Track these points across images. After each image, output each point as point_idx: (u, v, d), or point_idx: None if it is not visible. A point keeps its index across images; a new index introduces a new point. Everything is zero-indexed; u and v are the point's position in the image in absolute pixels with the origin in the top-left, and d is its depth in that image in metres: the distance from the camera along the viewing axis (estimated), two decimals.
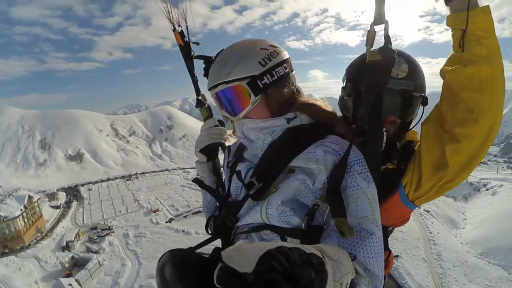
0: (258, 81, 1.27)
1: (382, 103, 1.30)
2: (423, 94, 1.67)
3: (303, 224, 1.18)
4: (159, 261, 1.20)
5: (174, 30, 1.87)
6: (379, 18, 1.27)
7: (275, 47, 1.34)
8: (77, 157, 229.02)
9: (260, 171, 1.31)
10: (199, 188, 1.74)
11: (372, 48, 1.33)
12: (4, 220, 72.61)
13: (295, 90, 1.41)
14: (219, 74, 1.30)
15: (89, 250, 64.05)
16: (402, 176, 1.59)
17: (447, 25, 1.26)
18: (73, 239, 69.27)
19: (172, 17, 1.85)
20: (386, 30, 1.26)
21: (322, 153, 1.22)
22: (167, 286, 1.10)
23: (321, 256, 0.65)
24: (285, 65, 1.34)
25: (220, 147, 1.76)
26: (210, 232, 1.59)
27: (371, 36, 1.31)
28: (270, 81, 1.29)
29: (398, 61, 1.59)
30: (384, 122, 1.58)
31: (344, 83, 1.84)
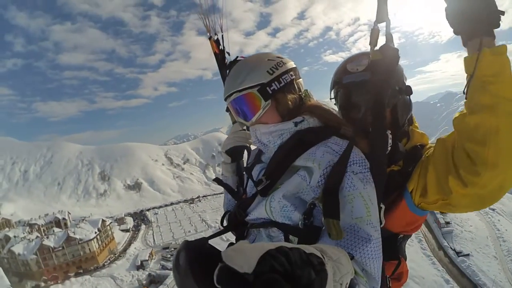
0: (267, 88, 1.40)
1: (384, 103, 1.30)
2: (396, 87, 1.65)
3: (300, 223, 1.23)
4: (176, 249, 1.29)
5: (210, 38, 2.02)
6: (381, 16, 1.30)
7: (281, 58, 1.48)
8: (136, 186, 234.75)
9: (269, 170, 1.41)
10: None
11: (375, 48, 1.32)
12: (80, 242, 78.05)
13: (302, 96, 1.52)
14: (233, 84, 1.44)
15: (164, 267, 67.21)
16: (408, 180, 1.56)
17: (465, 70, 1.15)
18: (147, 258, 73.54)
19: (209, 26, 1.98)
20: (387, 27, 1.29)
21: (321, 153, 1.28)
22: (180, 272, 1.15)
23: (321, 256, 0.65)
24: (291, 73, 1.47)
25: (245, 150, 1.86)
26: (224, 225, 1.68)
27: (374, 35, 1.33)
28: (278, 87, 1.41)
29: (360, 58, 1.73)
30: (362, 115, 1.58)
31: (333, 92, 1.88)
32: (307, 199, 1.27)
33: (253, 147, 1.81)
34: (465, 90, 1.12)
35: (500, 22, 1.04)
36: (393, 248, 1.71)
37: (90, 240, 79.78)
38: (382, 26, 1.33)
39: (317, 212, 1.21)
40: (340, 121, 1.46)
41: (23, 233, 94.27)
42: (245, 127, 1.77)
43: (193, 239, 1.26)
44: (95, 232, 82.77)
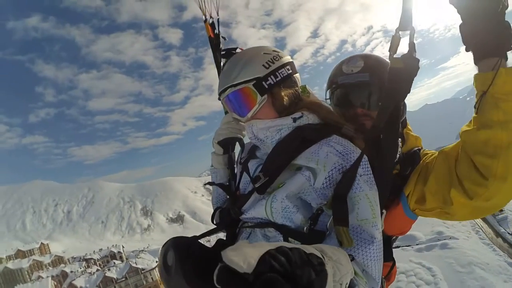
0: (263, 82, 1.34)
1: (400, 112, 1.27)
2: None
3: (305, 228, 1.19)
4: (163, 247, 1.26)
5: (205, 21, 1.96)
6: (405, 23, 1.21)
7: (277, 51, 1.43)
8: (178, 219, 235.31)
9: (267, 167, 1.35)
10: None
11: (395, 55, 1.26)
12: (142, 272, 79.87)
13: (299, 91, 1.46)
14: (227, 78, 1.38)
15: None
16: (405, 184, 1.57)
17: (474, 86, 1.19)
18: None
19: (205, 8, 1.93)
20: (411, 36, 1.20)
21: (325, 154, 1.23)
22: (169, 272, 1.14)
23: (321, 257, 0.65)
24: (288, 67, 1.41)
25: (238, 142, 1.77)
26: (215, 223, 1.63)
27: (395, 42, 1.25)
28: (274, 82, 1.36)
29: (355, 60, 1.72)
30: (356, 116, 1.64)
31: (329, 92, 1.85)
32: (309, 200, 1.24)
33: (246, 140, 1.72)
34: (477, 105, 1.16)
35: None
36: (388, 250, 1.72)
37: (153, 269, 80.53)
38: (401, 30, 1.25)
39: (322, 217, 1.20)
40: (340, 120, 1.40)
41: (80, 268, 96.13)
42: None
43: (181, 236, 1.26)
44: (156, 261, 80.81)
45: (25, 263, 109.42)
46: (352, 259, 1.06)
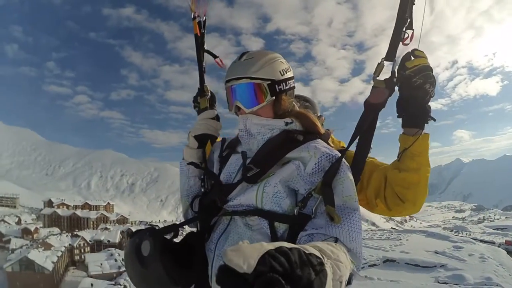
0: (276, 85, 1.49)
1: (376, 121, 1.56)
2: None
3: (296, 210, 1.31)
4: (131, 237, 1.36)
5: (194, 19, 1.99)
6: (390, 56, 1.53)
7: (288, 64, 1.60)
8: None
9: (258, 159, 1.46)
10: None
11: (377, 78, 1.56)
12: None
13: (294, 102, 1.65)
14: (246, 70, 1.47)
15: None
16: None
17: (399, 140, 1.65)
18: None
19: (195, 7, 2.00)
20: (393, 67, 1.53)
21: (314, 147, 1.42)
22: (144, 263, 1.20)
23: (321, 256, 0.66)
24: (293, 80, 1.60)
25: (210, 140, 1.82)
26: (194, 211, 1.68)
27: (380, 68, 1.54)
28: (284, 89, 1.52)
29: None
30: None
31: None
32: (296, 187, 1.38)
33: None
34: (399, 156, 1.60)
35: (429, 121, 1.57)
36: None
37: None
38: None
39: (310, 202, 1.31)
40: (319, 129, 1.59)
41: None
42: (215, 117, 1.83)
43: (152, 227, 1.37)
44: None
45: (93, 214, 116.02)
46: (336, 241, 1.18)
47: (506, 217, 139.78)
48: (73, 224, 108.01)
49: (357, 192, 1.45)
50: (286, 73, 1.53)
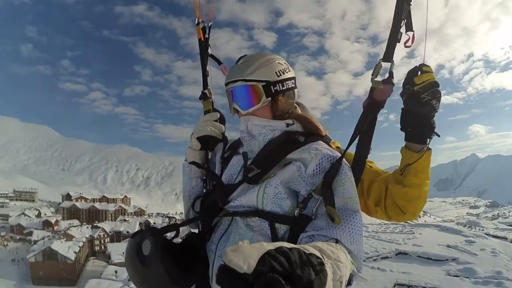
0: (272, 87, 1.49)
1: (375, 121, 1.55)
2: None
3: (296, 211, 1.32)
4: (132, 237, 1.38)
5: (198, 24, 2.01)
6: (388, 56, 1.51)
7: (288, 65, 1.59)
8: None
9: (259, 160, 1.46)
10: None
11: (375, 78, 1.54)
12: None
13: (295, 103, 1.65)
14: (241, 72, 1.51)
15: None
16: None
17: (400, 152, 1.66)
18: None
19: (200, 12, 2.02)
20: (391, 67, 1.51)
21: (315, 148, 1.42)
22: (145, 263, 1.21)
23: (321, 256, 0.66)
24: (292, 81, 1.58)
25: (212, 142, 1.83)
26: (195, 211, 1.70)
27: (378, 68, 1.52)
28: (280, 90, 1.52)
29: None
30: None
31: None
32: (297, 189, 1.38)
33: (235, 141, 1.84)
34: (402, 171, 1.61)
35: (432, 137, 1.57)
36: None
37: None
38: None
39: (311, 203, 1.32)
40: (321, 132, 1.59)
41: (162, 222, 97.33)
42: (218, 120, 1.84)
43: (153, 227, 1.39)
44: None
45: (111, 207, 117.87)
46: (336, 242, 1.17)
47: None
48: (92, 216, 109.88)
49: (359, 183, 1.47)
50: (284, 74, 1.53)
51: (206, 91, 1.96)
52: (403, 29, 1.50)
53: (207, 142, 1.76)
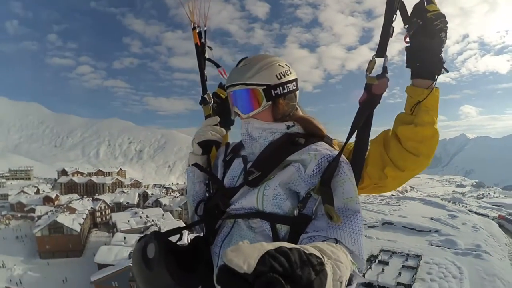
0: (272, 90, 1.49)
1: (372, 117, 1.53)
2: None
3: (296, 211, 1.32)
4: (138, 241, 1.39)
5: (193, 29, 2.02)
6: (381, 51, 1.49)
7: (289, 67, 1.58)
8: None
9: (259, 163, 1.47)
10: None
11: (370, 75, 1.51)
12: None
13: (296, 106, 1.64)
14: (241, 76, 1.50)
15: None
16: None
17: (406, 91, 1.58)
18: None
19: (194, 17, 2.02)
20: (385, 62, 1.48)
21: (315, 149, 1.42)
22: (150, 266, 1.22)
23: (321, 256, 0.65)
24: (294, 83, 1.57)
25: (214, 146, 1.85)
26: (199, 215, 1.69)
27: (371, 65, 1.49)
28: (281, 93, 1.51)
29: None
30: None
31: None
32: (297, 189, 1.37)
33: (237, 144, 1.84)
34: (412, 110, 1.54)
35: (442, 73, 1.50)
36: None
37: None
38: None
39: (310, 203, 1.32)
40: (322, 133, 1.59)
41: (160, 193, 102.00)
42: (218, 123, 1.85)
43: (158, 231, 1.41)
44: None
45: (108, 180, 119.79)
46: (336, 242, 1.16)
47: (505, 196, 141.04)
48: (89, 190, 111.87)
49: (358, 182, 1.51)
50: (284, 76, 1.53)
51: (205, 95, 1.99)
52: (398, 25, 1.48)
53: (208, 147, 1.81)
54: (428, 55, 1.47)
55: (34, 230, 62.85)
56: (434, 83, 1.49)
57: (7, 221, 78.34)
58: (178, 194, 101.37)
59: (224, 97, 2.04)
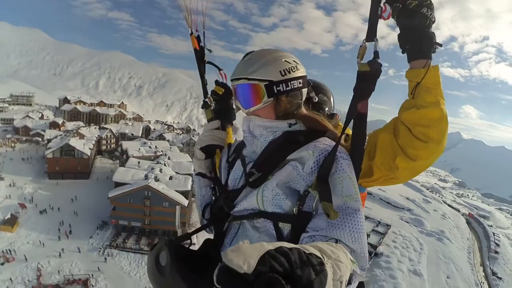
0: (274, 86, 1.46)
1: (367, 107, 1.47)
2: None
3: (295, 209, 1.32)
4: (152, 249, 1.38)
5: (191, 34, 2.05)
6: (371, 35, 1.43)
7: (297, 63, 1.53)
8: None
9: (260, 163, 1.48)
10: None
11: (361, 61, 1.45)
12: None
13: (301, 104, 1.59)
14: (245, 70, 1.49)
15: None
16: None
17: (406, 77, 1.52)
18: None
19: (191, 22, 2.03)
20: (375, 46, 1.43)
21: (313, 145, 1.41)
22: (163, 273, 1.23)
23: (321, 256, 0.66)
24: (300, 80, 1.52)
25: (217, 150, 1.87)
26: (206, 218, 1.74)
27: (362, 50, 1.44)
28: (284, 90, 1.47)
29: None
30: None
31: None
32: (297, 187, 1.36)
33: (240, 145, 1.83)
34: (413, 92, 1.48)
35: (437, 50, 1.46)
36: None
37: None
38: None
39: (309, 200, 1.32)
40: (326, 128, 1.55)
41: (163, 129, 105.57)
42: (220, 127, 1.88)
43: (171, 238, 1.40)
44: None
45: (111, 111, 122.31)
46: (336, 241, 1.15)
47: (482, 202, 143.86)
48: (92, 119, 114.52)
49: (368, 174, 1.55)
50: (289, 73, 1.48)
51: (207, 99, 1.99)
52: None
53: (210, 151, 1.83)
54: (414, 35, 1.42)
55: (46, 151, 67.31)
56: (429, 61, 1.43)
57: (12, 144, 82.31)
58: (180, 132, 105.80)
59: (221, 93, 1.93)
